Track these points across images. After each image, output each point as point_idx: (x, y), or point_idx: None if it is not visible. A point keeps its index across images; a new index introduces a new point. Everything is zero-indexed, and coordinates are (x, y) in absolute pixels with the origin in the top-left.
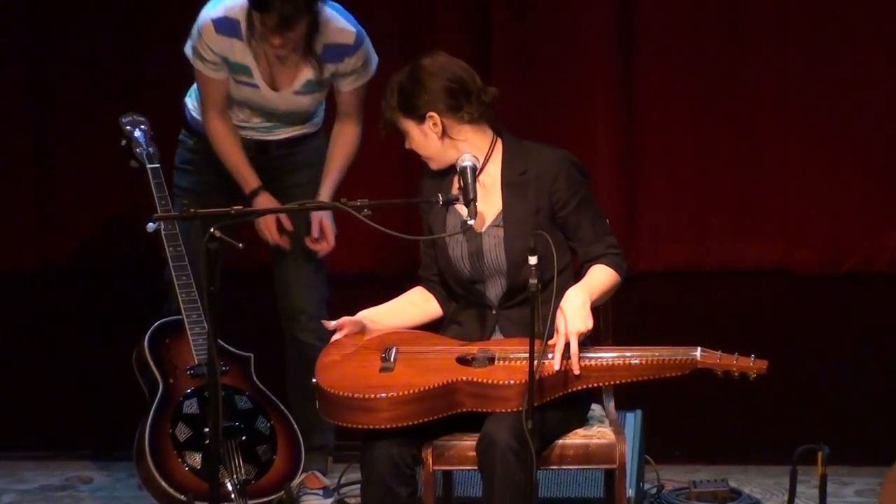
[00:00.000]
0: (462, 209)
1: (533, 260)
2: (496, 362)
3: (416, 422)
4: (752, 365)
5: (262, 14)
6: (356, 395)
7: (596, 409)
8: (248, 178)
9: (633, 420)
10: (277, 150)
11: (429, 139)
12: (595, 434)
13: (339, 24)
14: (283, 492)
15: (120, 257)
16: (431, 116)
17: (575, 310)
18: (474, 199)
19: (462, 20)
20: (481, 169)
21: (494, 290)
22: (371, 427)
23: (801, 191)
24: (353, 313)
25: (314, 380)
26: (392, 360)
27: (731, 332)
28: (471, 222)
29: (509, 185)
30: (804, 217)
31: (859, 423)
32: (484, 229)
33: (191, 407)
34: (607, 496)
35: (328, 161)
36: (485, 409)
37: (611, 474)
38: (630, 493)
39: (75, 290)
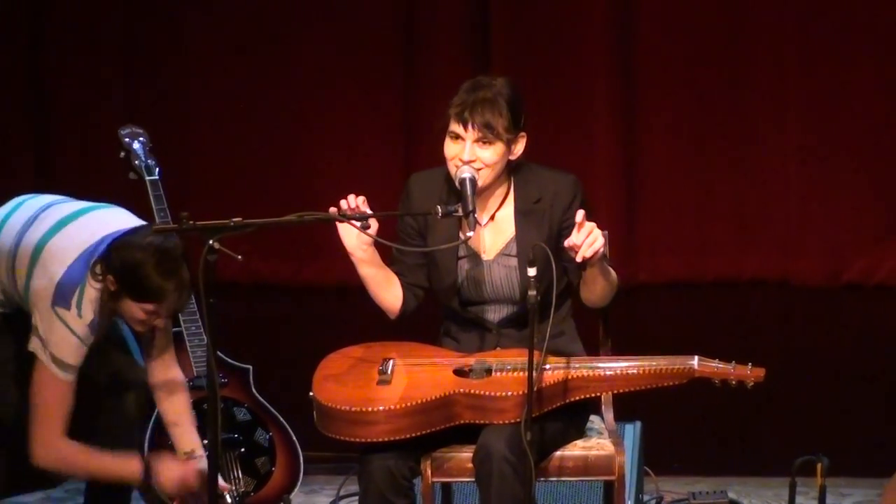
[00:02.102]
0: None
1: (532, 272)
2: (493, 374)
3: (414, 434)
4: (749, 373)
5: (153, 304)
6: (353, 409)
7: (595, 420)
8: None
9: (632, 431)
10: None
11: (504, 157)
12: (594, 446)
13: None
14: (281, 503)
15: None
16: (524, 136)
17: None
18: (473, 211)
19: (461, 28)
20: (504, 199)
21: (496, 313)
22: (369, 440)
23: (801, 202)
24: (353, 324)
25: (311, 393)
26: (389, 372)
27: (731, 344)
28: (470, 234)
29: (523, 213)
30: (803, 229)
31: (858, 435)
32: (492, 257)
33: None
34: None
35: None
36: (483, 421)
37: (610, 486)
38: None
39: None
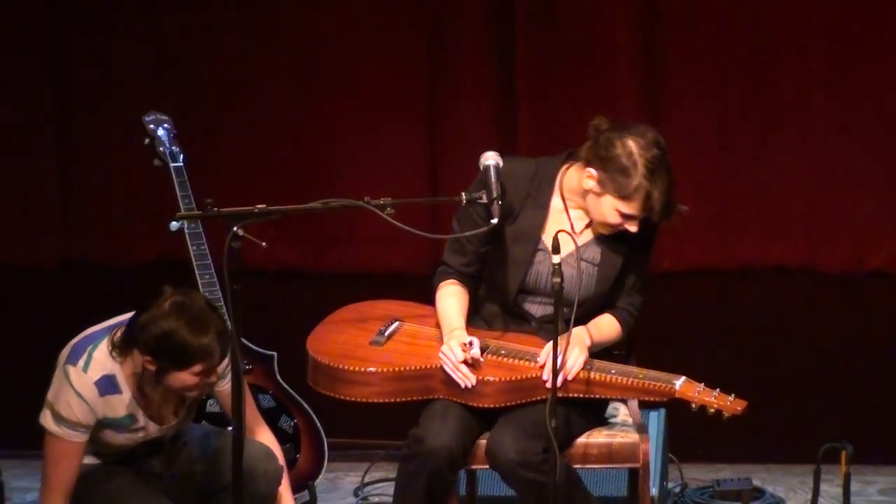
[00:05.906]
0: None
1: (556, 259)
2: (484, 355)
3: (394, 400)
4: (729, 405)
5: (199, 365)
6: (332, 365)
7: (619, 408)
8: None
9: (656, 419)
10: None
11: None
12: (618, 433)
13: None
14: (306, 490)
15: (143, 256)
16: None
17: (575, 360)
18: (497, 198)
19: (486, 17)
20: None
21: (542, 308)
22: (350, 399)
23: (826, 189)
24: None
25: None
26: (386, 335)
27: (754, 332)
28: (494, 221)
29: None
30: (828, 215)
31: (883, 422)
32: (565, 255)
33: (214, 406)
34: (631, 495)
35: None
36: (460, 400)
37: (634, 473)
38: (654, 491)
39: (98, 288)
